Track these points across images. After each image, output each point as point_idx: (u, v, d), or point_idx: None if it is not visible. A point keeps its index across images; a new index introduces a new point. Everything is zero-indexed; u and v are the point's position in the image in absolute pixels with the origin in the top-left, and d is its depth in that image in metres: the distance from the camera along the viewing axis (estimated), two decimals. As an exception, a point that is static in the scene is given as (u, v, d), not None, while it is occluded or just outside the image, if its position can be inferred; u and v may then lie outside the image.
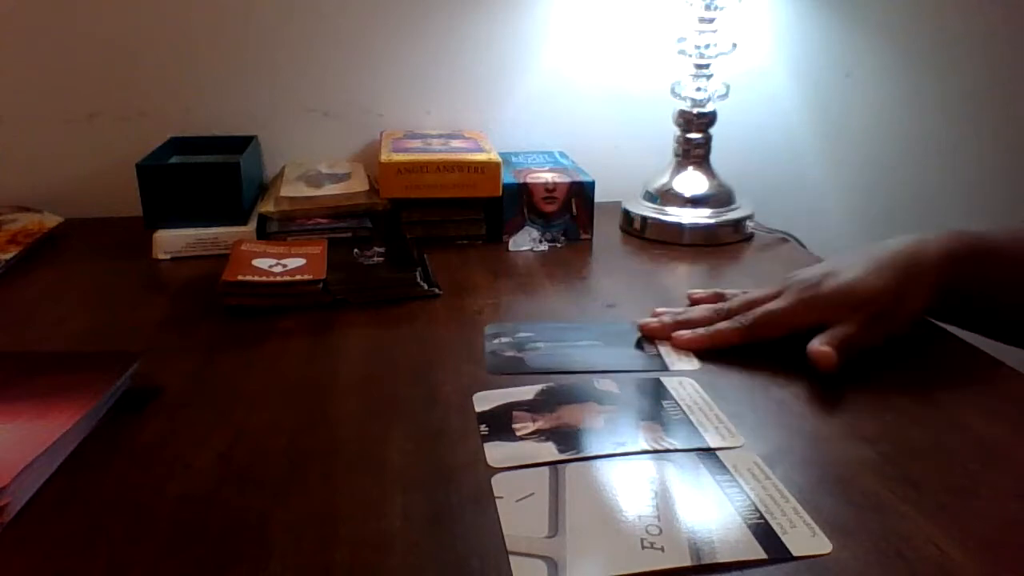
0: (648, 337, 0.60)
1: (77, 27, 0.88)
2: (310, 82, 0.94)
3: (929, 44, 1.04)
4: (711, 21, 0.83)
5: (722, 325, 0.58)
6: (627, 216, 0.88)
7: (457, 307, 0.66)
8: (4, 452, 0.41)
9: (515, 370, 0.54)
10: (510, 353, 0.56)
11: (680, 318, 0.60)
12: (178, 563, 0.37)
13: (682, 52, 0.85)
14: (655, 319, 0.61)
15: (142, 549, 0.37)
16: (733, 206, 0.87)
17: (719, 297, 0.64)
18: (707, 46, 0.83)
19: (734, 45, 0.84)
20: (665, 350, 0.58)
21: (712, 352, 0.57)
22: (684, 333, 0.58)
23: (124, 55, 0.89)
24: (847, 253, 0.60)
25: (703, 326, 0.59)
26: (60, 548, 0.38)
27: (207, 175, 0.78)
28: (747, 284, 0.72)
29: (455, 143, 0.87)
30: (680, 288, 0.73)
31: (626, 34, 0.97)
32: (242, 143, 0.86)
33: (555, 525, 0.39)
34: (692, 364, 0.56)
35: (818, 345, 0.53)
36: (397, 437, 0.47)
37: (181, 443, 0.46)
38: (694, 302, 0.65)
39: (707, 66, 0.84)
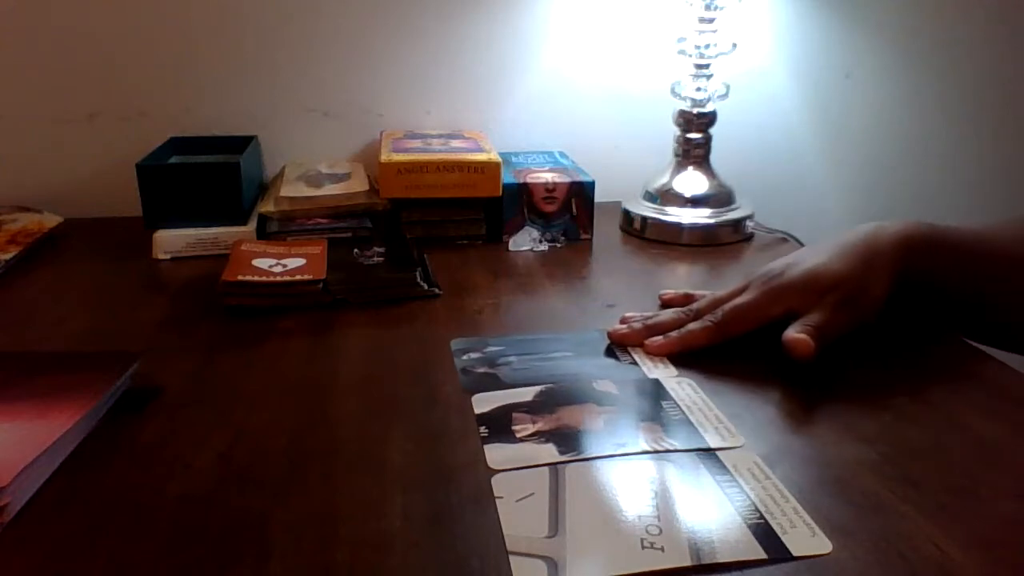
0: (619, 344, 0.58)
1: (77, 27, 0.88)
2: (310, 82, 0.94)
3: (929, 44, 1.04)
4: (711, 21, 0.83)
5: (692, 326, 0.57)
6: (627, 216, 0.88)
7: (457, 307, 0.66)
8: (4, 452, 0.41)
9: (491, 388, 0.52)
10: (482, 369, 0.55)
11: (649, 323, 0.59)
12: (178, 563, 0.37)
13: (682, 52, 0.85)
14: (624, 326, 0.59)
15: (142, 549, 0.37)
16: (733, 206, 0.87)
17: (688, 298, 0.63)
18: (707, 46, 0.83)
19: (734, 45, 0.84)
20: (640, 356, 0.57)
21: (703, 353, 0.56)
22: (655, 340, 0.57)
23: (124, 55, 0.89)
24: (811, 245, 0.61)
25: (673, 329, 0.58)
26: (60, 548, 0.38)
27: (207, 175, 0.78)
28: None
29: (455, 143, 0.87)
30: (680, 288, 0.73)
31: (626, 34, 0.97)
32: (242, 143, 0.86)
33: (555, 525, 0.39)
34: (669, 371, 0.55)
35: (792, 333, 0.53)
36: (397, 437, 0.47)
37: (181, 443, 0.46)
38: (664, 303, 0.65)
39: (707, 66, 0.84)
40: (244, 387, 0.53)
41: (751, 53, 0.99)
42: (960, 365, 0.57)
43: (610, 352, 0.58)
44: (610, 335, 0.59)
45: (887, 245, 0.57)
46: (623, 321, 0.61)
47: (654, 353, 0.56)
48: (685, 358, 0.56)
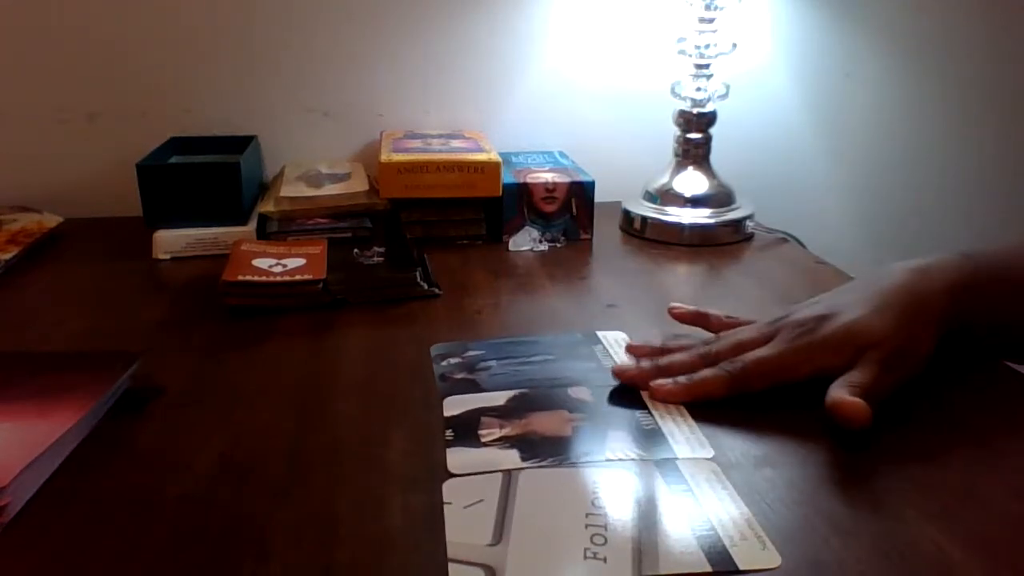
0: (627, 384, 0.53)
1: (77, 27, 0.88)
2: (310, 82, 0.94)
3: (929, 44, 1.04)
4: (711, 21, 0.83)
5: (706, 373, 0.51)
6: (627, 216, 0.88)
7: (457, 307, 0.66)
8: (4, 452, 0.41)
9: (468, 394, 0.51)
10: (461, 375, 0.54)
11: (661, 363, 0.53)
12: (178, 563, 0.37)
13: (682, 52, 0.85)
14: (632, 364, 0.54)
15: (142, 549, 0.37)
16: (733, 206, 0.87)
17: (702, 317, 0.59)
18: (707, 46, 0.83)
19: (734, 45, 0.84)
20: (622, 360, 0.55)
21: None
22: (664, 383, 0.51)
23: (124, 55, 0.89)
24: (846, 290, 0.55)
25: (684, 373, 0.52)
26: (60, 548, 0.38)
27: (207, 175, 0.78)
28: (747, 284, 0.72)
29: (455, 143, 0.87)
30: (680, 288, 0.74)
31: (626, 34, 0.97)
32: (242, 143, 0.86)
33: (499, 533, 0.38)
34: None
35: (843, 395, 0.46)
36: (397, 437, 0.47)
37: (181, 443, 0.46)
38: (676, 317, 0.60)
39: (707, 66, 0.84)
40: (244, 387, 0.53)
41: (751, 53, 0.99)
42: (960, 365, 0.56)
43: (591, 355, 0.57)
44: (616, 373, 0.53)
45: (934, 297, 0.52)
46: (630, 349, 0.57)
47: (661, 400, 0.50)
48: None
